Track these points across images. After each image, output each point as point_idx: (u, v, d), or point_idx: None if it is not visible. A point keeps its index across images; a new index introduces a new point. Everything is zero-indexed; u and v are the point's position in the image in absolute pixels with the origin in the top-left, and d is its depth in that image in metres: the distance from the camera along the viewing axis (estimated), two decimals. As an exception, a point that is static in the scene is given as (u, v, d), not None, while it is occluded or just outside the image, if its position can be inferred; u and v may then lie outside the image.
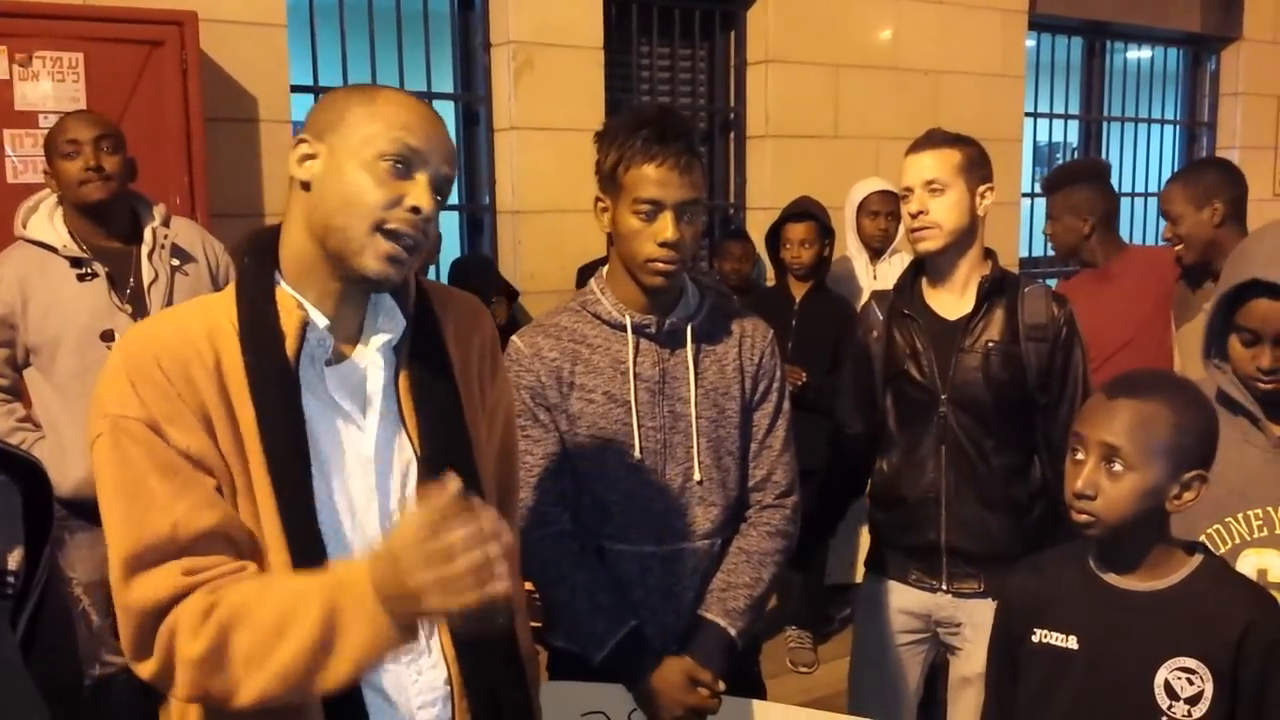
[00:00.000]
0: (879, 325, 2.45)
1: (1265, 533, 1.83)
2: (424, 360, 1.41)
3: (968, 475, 2.36)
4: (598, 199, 1.96)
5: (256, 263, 1.36)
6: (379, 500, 1.37)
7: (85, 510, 2.73)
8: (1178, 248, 3.10)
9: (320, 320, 1.33)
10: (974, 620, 2.38)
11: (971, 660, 2.38)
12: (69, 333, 2.73)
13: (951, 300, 2.40)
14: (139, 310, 2.78)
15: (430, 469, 1.37)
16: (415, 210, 1.29)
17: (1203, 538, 1.84)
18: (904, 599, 2.47)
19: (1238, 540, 1.85)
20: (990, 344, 2.34)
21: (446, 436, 1.40)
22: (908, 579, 2.46)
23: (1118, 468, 1.59)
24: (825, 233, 4.04)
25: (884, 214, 4.21)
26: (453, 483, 1.12)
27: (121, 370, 1.28)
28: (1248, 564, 1.84)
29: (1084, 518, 1.62)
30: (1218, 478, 1.72)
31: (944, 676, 2.61)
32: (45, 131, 2.92)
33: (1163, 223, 3.05)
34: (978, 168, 2.36)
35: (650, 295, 1.95)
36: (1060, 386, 2.36)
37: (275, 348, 1.30)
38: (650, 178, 1.85)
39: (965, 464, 2.36)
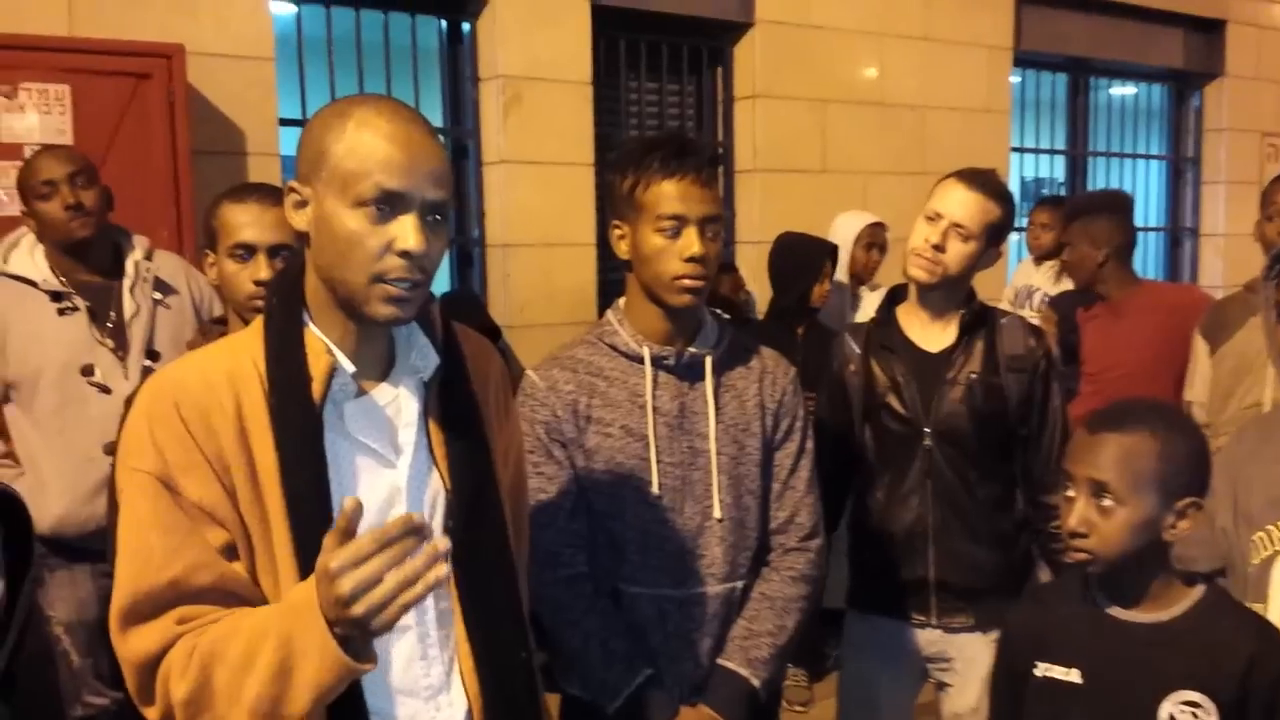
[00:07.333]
0: (855, 358, 2.41)
1: None
2: (453, 396, 1.40)
3: (955, 508, 2.33)
4: (614, 226, 1.90)
5: (283, 303, 1.33)
6: None
7: (64, 548, 2.69)
8: None
9: (348, 366, 1.31)
10: (965, 655, 2.34)
11: (964, 695, 2.34)
12: (49, 367, 2.69)
13: (932, 333, 2.37)
14: (120, 344, 2.75)
15: (459, 502, 1.37)
16: (405, 254, 1.24)
17: (1254, 539, 1.81)
18: (891, 635, 2.41)
19: (1279, 547, 1.82)
20: (972, 376, 2.32)
21: (475, 471, 1.39)
22: (895, 615, 2.40)
23: (1108, 503, 1.57)
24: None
25: (876, 246, 4.21)
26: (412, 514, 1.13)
27: (143, 418, 1.27)
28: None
29: (1081, 555, 1.60)
30: (1264, 488, 1.70)
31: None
32: (32, 164, 2.89)
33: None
34: (1001, 232, 2.35)
35: (673, 320, 1.89)
36: (1040, 418, 2.35)
37: (302, 391, 1.28)
38: (671, 193, 1.80)
39: (952, 497, 2.33)
